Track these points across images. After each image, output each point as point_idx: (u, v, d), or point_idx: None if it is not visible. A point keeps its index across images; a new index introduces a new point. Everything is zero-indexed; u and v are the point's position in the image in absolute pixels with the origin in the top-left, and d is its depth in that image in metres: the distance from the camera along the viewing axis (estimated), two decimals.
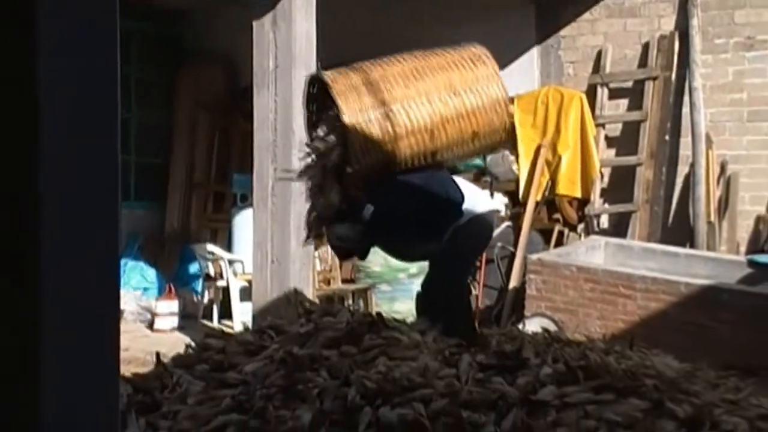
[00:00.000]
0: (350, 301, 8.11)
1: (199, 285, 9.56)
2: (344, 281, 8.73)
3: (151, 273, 9.69)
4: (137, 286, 9.53)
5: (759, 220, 7.64)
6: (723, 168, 7.79)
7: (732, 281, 6.55)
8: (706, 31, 7.89)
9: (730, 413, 3.32)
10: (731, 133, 7.82)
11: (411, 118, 4.23)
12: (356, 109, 4.18)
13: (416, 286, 4.86)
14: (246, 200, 8.95)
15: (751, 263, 6.89)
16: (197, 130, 10.33)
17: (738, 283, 6.56)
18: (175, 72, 10.54)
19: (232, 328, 7.84)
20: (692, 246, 7.53)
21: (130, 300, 9.16)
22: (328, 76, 4.32)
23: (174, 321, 8.95)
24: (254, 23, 6.25)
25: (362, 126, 4.17)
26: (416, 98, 4.25)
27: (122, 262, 8.89)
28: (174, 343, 6.67)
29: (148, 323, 9.26)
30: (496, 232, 8.21)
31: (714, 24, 7.91)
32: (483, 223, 4.62)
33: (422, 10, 8.61)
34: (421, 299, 4.60)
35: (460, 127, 4.31)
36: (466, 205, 4.51)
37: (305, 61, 6.06)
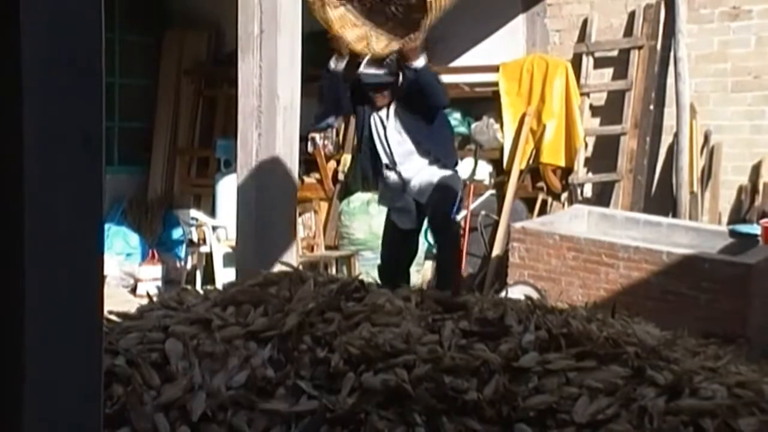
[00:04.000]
0: (334, 268, 8.13)
1: (182, 250, 9.54)
2: (328, 248, 8.75)
3: (134, 238, 9.68)
4: (120, 251, 9.51)
5: (741, 190, 7.67)
6: (706, 138, 7.80)
7: (713, 251, 6.59)
8: (692, 0, 7.87)
9: (709, 380, 3.36)
10: (715, 103, 7.82)
11: None
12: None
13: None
14: (230, 166, 8.93)
15: (733, 233, 6.93)
16: (181, 95, 10.27)
17: (719, 252, 6.60)
18: (160, 36, 10.45)
19: None
20: (675, 216, 7.56)
21: (113, 265, 9.16)
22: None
23: (157, 286, 8.95)
24: None
25: None
26: None
27: (105, 226, 8.86)
28: None
29: (130, 288, 9.26)
30: (480, 200, 8.24)
31: None
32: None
33: None
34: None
35: None
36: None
37: (290, 26, 6.00)
